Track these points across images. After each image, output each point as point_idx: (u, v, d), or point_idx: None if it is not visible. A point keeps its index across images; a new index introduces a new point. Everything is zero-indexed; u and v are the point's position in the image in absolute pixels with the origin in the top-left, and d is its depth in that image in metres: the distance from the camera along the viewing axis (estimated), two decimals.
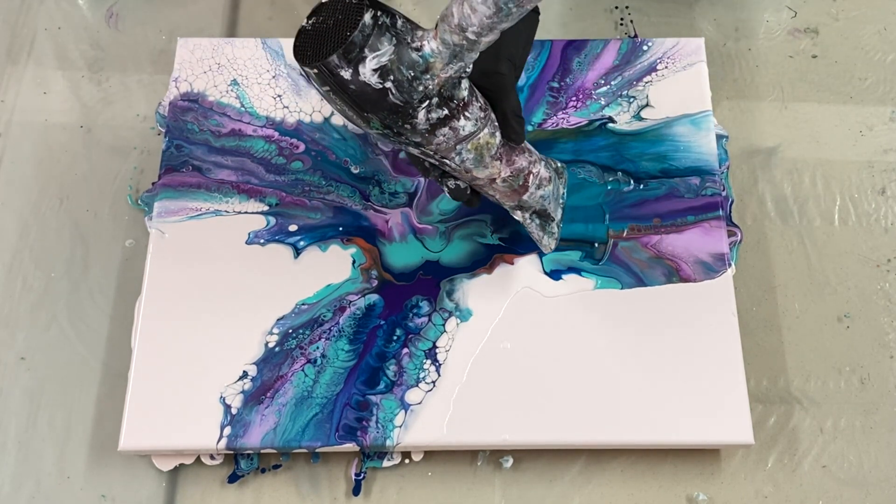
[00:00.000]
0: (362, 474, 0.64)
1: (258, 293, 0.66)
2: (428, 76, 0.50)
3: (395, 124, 0.52)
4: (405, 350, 0.65)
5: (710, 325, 0.65)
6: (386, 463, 0.64)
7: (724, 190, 0.71)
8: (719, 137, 0.74)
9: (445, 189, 0.61)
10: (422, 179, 0.71)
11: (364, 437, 0.62)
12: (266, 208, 0.69)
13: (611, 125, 0.73)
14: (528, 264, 0.68)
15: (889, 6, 0.83)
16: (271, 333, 0.65)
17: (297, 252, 0.68)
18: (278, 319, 0.65)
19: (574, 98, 0.73)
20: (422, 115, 0.52)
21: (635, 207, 0.70)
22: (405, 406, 0.63)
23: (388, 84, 0.50)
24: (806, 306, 0.70)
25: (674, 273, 0.67)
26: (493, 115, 0.56)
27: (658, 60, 0.75)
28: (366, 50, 0.48)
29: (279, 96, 0.74)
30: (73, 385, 0.67)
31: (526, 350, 0.64)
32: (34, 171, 0.74)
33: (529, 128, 0.72)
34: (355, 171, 0.71)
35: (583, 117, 0.73)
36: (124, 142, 0.75)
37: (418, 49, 0.50)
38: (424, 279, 0.67)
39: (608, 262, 0.67)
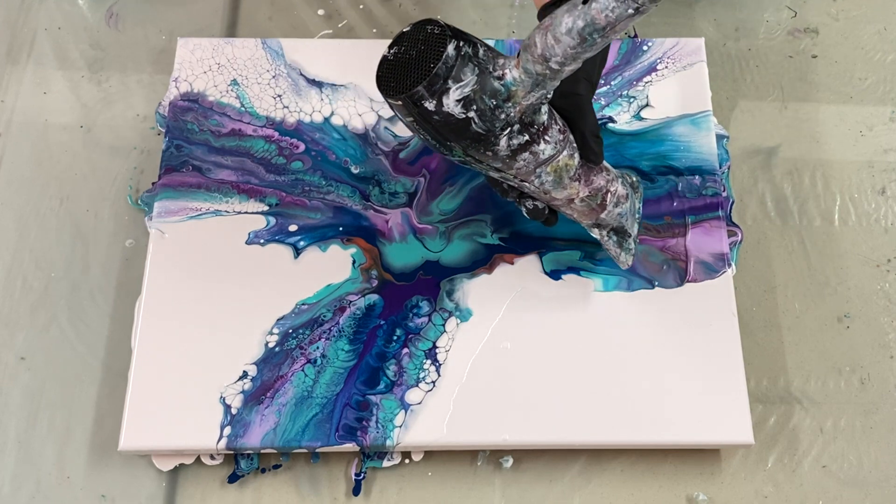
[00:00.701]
0: (362, 474, 0.64)
1: (258, 293, 0.66)
2: (510, 104, 0.50)
3: (478, 152, 0.52)
4: (405, 350, 0.65)
5: (710, 325, 0.65)
6: (386, 463, 0.64)
7: (724, 190, 0.71)
8: (719, 137, 0.74)
9: (524, 209, 0.61)
10: (422, 179, 0.71)
11: (364, 437, 0.62)
12: (266, 208, 0.69)
13: (611, 125, 0.73)
14: (528, 264, 0.68)
15: (889, 6, 0.83)
16: (271, 333, 0.65)
17: (297, 252, 0.68)
18: (278, 319, 0.65)
19: None
20: (503, 142, 0.52)
21: None
22: (405, 406, 0.63)
23: (472, 114, 0.50)
24: (806, 306, 0.70)
25: (684, 272, 0.67)
26: (571, 137, 0.56)
27: (658, 60, 0.75)
28: (449, 81, 0.49)
29: (279, 96, 0.74)
30: (73, 385, 0.67)
31: (526, 350, 0.64)
32: (34, 171, 0.74)
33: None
34: (355, 171, 0.71)
35: None
36: (124, 142, 0.75)
37: (500, 78, 0.50)
38: (424, 279, 0.67)
39: (609, 263, 0.67)
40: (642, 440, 0.62)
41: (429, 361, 0.64)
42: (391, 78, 0.50)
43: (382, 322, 0.65)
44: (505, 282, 0.67)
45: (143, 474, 0.64)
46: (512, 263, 0.68)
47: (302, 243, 0.68)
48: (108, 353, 0.68)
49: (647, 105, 0.73)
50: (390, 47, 0.51)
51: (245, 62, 0.75)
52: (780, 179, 0.75)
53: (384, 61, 0.51)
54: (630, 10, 0.46)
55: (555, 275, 0.67)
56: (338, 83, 0.74)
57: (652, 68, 0.75)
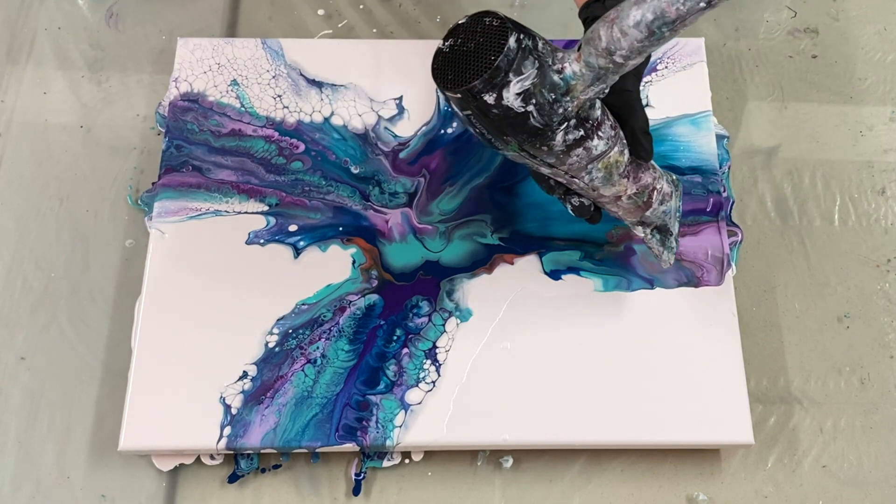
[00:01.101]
0: (362, 474, 0.64)
1: (258, 293, 0.66)
2: (568, 98, 0.50)
3: (533, 147, 0.52)
4: (405, 350, 0.65)
5: (710, 325, 0.65)
6: (386, 463, 0.64)
7: (724, 190, 0.71)
8: (719, 137, 0.74)
9: (569, 206, 0.60)
10: (422, 179, 0.71)
11: (364, 437, 0.62)
12: (266, 208, 0.69)
13: None
14: (528, 264, 0.68)
15: (889, 6, 0.83)
16: (271, 333, 0.65)
17: (297, 252, 0.68)
18: (278, 319, 0.65)
19: None
20: (560, 137, 0.51)
21: None
22: (405, 406, 0.63)
23: (531, 107, 0.49)
24: (806, 306, 0.70)
25: (693, 276, 0.67)
26: (621, 133, 0.56)
27: (658, 60, 0.75)
28: (510, 74, 0.48)
29: (279, 96, 0.74)
30: (73, 385, 0.67)
31: (526, 350, 0.64)
32: (34, 171, 0.74)
33: None
34: (355, 171, 0.71)
35: None
36: (124, 142, 0.75)
37: (560, 72, 0.49)
38: (424, 279, 0.67)
39: (609, 263, 0.67)
40: (642, 440, 0.62)
41: (429, 361, 0.64)
42: (448, 71, 0.49)
43: (382, 322, 0.66)
44: (505, 282, 0.67)
45: (143, 474, 0.64)
46: (512, 263, 0.68)
47: (302, 243, 0.68)
48: (108, 353, 0.68)
49: (647, 105, 0.73)
50: (445, 39, 0.50)
51: (245, 62, 0.75)
52: (780, 179, 0.75)
53: (439, 53, 0.50)
54: (702, 4, 0.45)
55: (555, 275, 0.67)
56: (338, 83, 0.74)
57: (652, 68, 0.75)
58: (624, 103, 0.56)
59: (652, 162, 0.60)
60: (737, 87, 0.79)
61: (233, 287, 0.66)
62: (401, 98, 0.74)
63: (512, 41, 0.48)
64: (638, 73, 0.57)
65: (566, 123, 0.51)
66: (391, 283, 0.67)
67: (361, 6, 0.82)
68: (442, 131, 0.72)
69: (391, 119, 0.73)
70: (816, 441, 0.66)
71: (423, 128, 0.73)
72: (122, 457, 0.64)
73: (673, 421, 0.62)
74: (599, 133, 0.53)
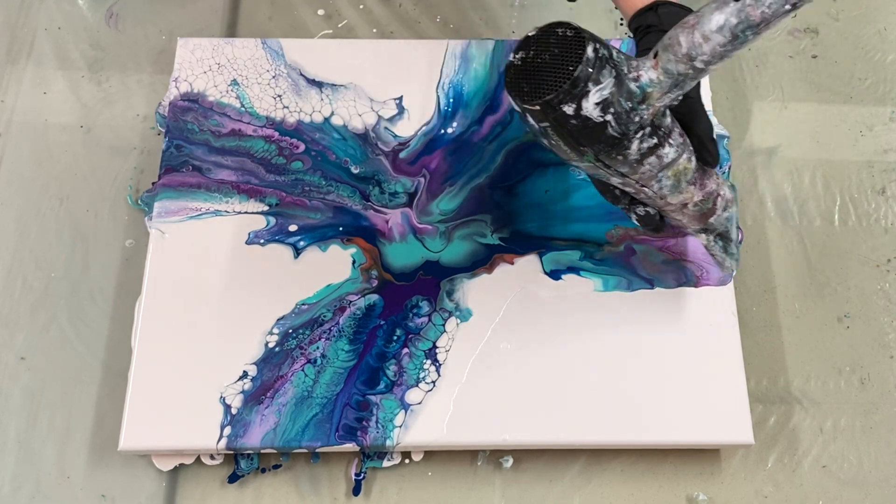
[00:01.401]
0: (362, 474, 0.64)
1: (258, 293, 0.66)
2: (643, 106, 0.50)
3: (609, 157, 0.51)
4: (405, 350, 0.65)
5: (710, 325, 0.65)
6: (386, 463, 0.64)
7: None
8: (720, 137, 0.74)
9: (633, 216, 0.60)
10: (422, 179, 0.71)
11: (364, 437, 0.62)
12: (266, 208, 0.69)
13: None
14: (528, 264, 0.68)
15: (889, 6, 0.83)
16: (271, 333, 0.65)
17: (297, 252, 0.68)
18: (278, 319, 0.65)
19: None
20: (635, 145, 0.51)
21: None
22: (405, 406, 0.63)
23: (609, 117, 0.49)
24: (806, 306, 0.70)
25: (693, 276, 0.67)
26: (687, 140, 0.56)
27: None
28: (589, 84, 0.48)
29: (279, 96, 0.74)
30: (73, 385, 0.67)
31: (526, 350, 0.64)
32: (34, 171, 0.74)
33: None
34: (355, 171, 0.71)
35: None
36: (124, 142, 0.75)
37: (636, 80, 0.49)
38: (424, 279, 0.67)
39: (609, 262, 0.67)
40: (642, 440, 0.62)
41: (429, 361, 0.64)
42: (523, 83, 0.49)
43: (382, 322, 0.66)
44: (505, 282, 0.67)
45: (143, 474, 0.64)
46: (512, 263, 0.68)
47: (302, 243, 0.68)
48: (108, 353, 0.68)
49: None
50: (516, 52, 0.50)
51: (245, 62, 0.75)
52: (780, 179, 0.75)
53: (511, 66, 0.50)
54: (787, 6, 0.45)
55: (555, 275, 0.67)
56: (338, 83, 0.74)
57: None
58: (689, 110, 0.56)
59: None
60: (737, 87, 0.79)
61: (233, 287, 0.66)
62: (401, 98, 0.74)
63: (590, 51, 0.47)
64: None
65: (641, 132, 0.51)
66: (391, 283, 0.67)
67: (361, 6, 0.82)
68: (442, 131, 0.73)
69: (391, 119, 0.73)
70: (816, 441, 0.66)
71: (423, 128, 0.73)
72: (122, 457, 0.64)
73: (673, 421, 0.62)
74: (670, 140, 0.53)
